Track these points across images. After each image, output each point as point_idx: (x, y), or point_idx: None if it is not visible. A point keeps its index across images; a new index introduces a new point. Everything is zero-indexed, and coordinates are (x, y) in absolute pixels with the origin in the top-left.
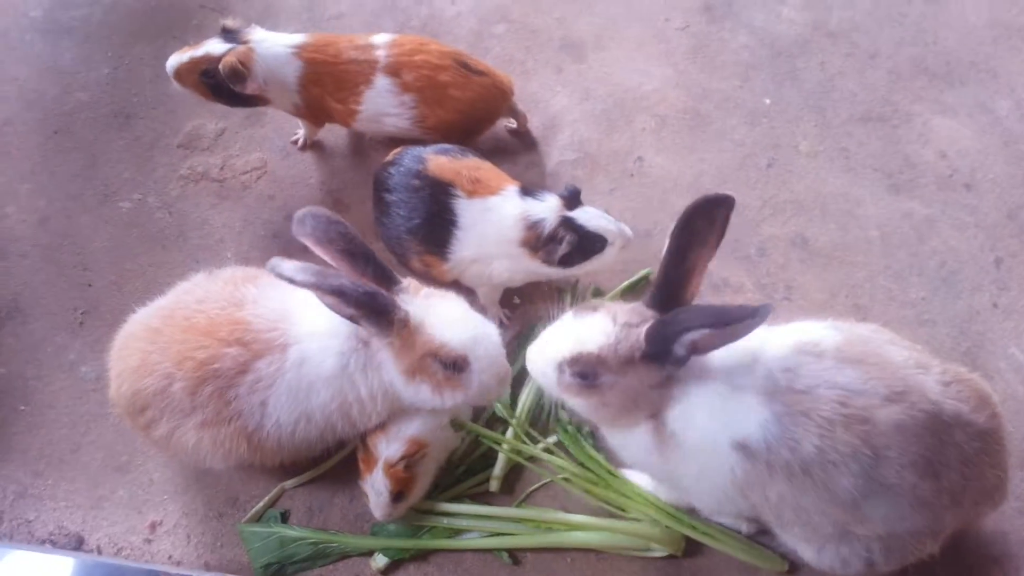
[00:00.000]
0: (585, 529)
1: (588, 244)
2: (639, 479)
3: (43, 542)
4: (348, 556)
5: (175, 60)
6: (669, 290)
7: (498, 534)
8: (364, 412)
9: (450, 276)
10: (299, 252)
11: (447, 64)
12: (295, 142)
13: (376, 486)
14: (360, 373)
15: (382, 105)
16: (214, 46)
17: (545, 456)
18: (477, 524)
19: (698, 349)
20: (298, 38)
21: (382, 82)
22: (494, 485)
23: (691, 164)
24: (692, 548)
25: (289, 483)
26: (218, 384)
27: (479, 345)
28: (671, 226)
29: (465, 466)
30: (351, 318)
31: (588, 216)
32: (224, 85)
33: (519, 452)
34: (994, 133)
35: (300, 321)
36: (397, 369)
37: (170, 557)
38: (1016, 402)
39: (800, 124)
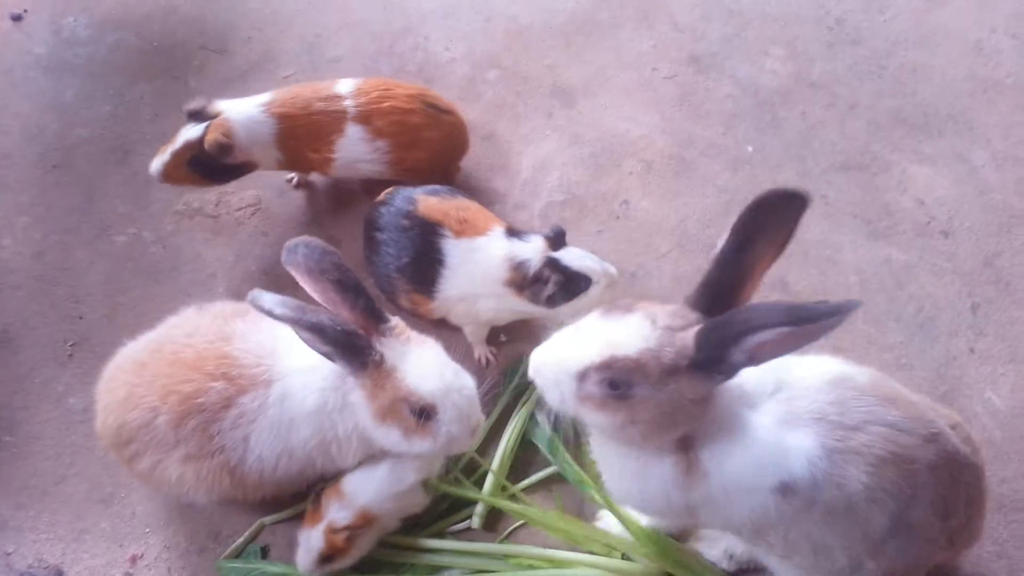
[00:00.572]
0: (568, 566)
1: (573, 284)
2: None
3: (22, 575)
4: None
5: (158, 163)
6: (720, 290)
7: (480, 571)
8: (342, 451)
9: (437, 314)
10: (291, 288)
11: (415, 107)
12: (290, 180)
13: (311, 543)
14: (338, 412)
15: (356, 153)
16: (189, 132)
17: (523, 506)
18: (459, 561)
19: (759, 356)
20: (264, 97)
21: (353, 131)
22: (476, 522)
23: (676, 208)
24: None
25: (268, 519)
26: (202, 418)
27: (449, 396)
28: (656, 268)
29: (448, 502)
30: (326, 355)
31: (572, 256)
32: (214, 165)
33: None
34: (970, 182)
35: (285, 357)
36: (369, 410)
37: None
38: (993, 447)
39: (782, 171)
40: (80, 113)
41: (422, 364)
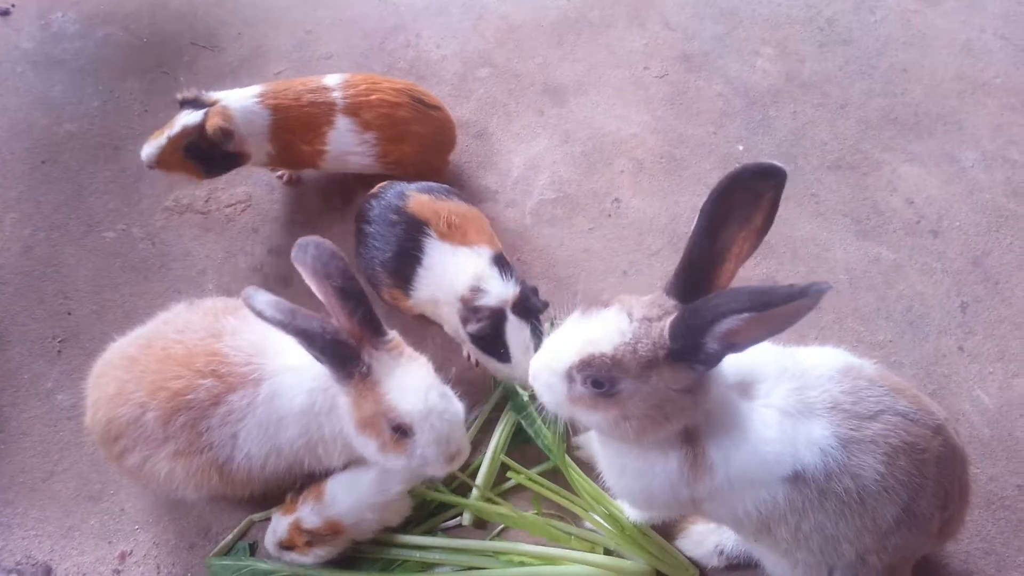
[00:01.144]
0: (557, 563)
1: (494, 346)
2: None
3: (9, 572)
4: None
5: (153, 147)
6: (694, 274)
7: (470, 568)
8: (328, 452)
9: (415, 311)
10: (280, 285)
11: (403, 101)
12: (280, 176)
13: (277, 530)
14: (325, 415)
15: (345, 144)
16: (187, 118)
17: (505, 510)
18: (449, 558)
19: (735, 343)
20: (256, 88)
21: (343, 122)
22: (467, 519)
23: (667, 206)
24: None
25: (257, 516)
26: (191, 415)
27: (428, 418)
28: (647, 266)
29: (437, 501)
30: (316, 358)
31: (514, 329)
32: (212, 152)
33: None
34: (960, 182)
35: (275, 356)
36: (351, 418)
37: None
38: (981, 444)
39: None
40: (68, 109)
41: (407, 382)
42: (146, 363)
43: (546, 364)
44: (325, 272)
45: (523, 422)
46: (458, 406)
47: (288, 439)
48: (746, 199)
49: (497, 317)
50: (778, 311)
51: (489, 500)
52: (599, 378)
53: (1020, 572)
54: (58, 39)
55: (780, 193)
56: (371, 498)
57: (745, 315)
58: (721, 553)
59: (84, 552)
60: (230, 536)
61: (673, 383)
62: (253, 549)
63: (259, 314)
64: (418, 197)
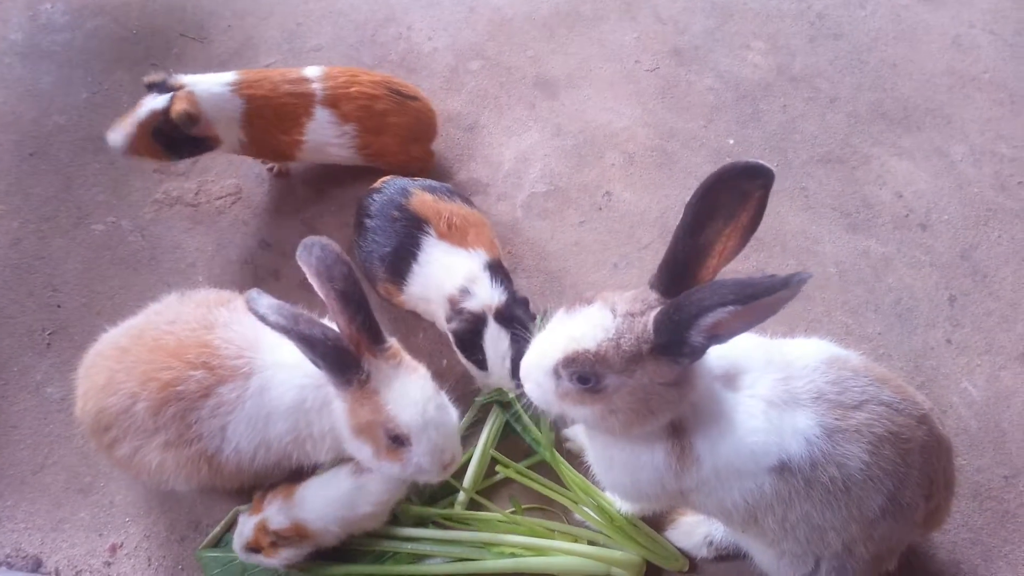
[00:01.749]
0: (549, 554)
1: (472, 350)
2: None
3: None
4: None
5: (121, 133)
6: (678, 269)
7: (461, 559)
8: (316, 448)
9: (407, 306)
10: (270, 279)
11: (381, 93)
12: (271, 169)
13: (243, 531)
14: (315, 412)
15: (324, 136)
16: (153, 103)
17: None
18: (441, 550)
19: (719, 335)
20: (230, 76)
21: (322, 114)
22: (458, 510)
23: (657, 200)
24: (652, 573)
25: (244, 507)
26: (180, 406)
27: (425, 430)
28: (638, 259)
29: (429, 492)
30: (314, 362)
31: (492, 336)
32: (179, 136)
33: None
34: (949, 176)
35: (267, 350)
36: (347, 423)
37: None
38: (968, 436)
39: None
40: (57, 100)
41: (406, 392)
42: (137, 353)
43: (534, 362)
44: (328, 275)
45: (510, 419)
46: (454, 417)
47: (277, 434)
48: (732, 197)
49: (478, 321)
50: (761, 302)
51: (474, 501)
52: (584, 374)
53: (1006, 562)
54: (47, 30)
55: (768, 193)
56: (338, 512)
57: (729, 308)
58: (710, 544)
59: (75, 545)
60: (218, 527)
61: (658, 377)
62: None
63: (262, 318)
64: (421, 195)
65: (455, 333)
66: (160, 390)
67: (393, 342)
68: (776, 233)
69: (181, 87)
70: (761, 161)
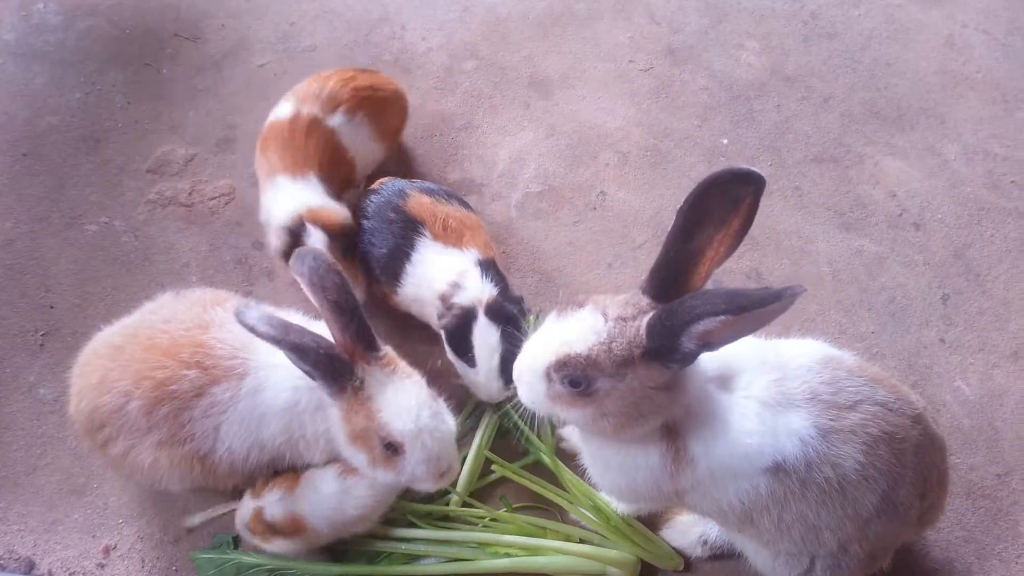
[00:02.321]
0: (543, 553)
1: (462, 347)
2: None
3: None
4: None
5: None
6: (669, 274)
7: (456, 559)
8: (309, 449)
9: (402, 308)
10: (264, 278)
11: (357, 73)
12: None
13: (243, 512)
14: (309, 414)
15: (353, 140)
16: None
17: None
18: (435, 550)
19: (710, 343)
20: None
21: (337, 120)
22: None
23: (651, 200)
24: (646, 573)
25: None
26: (174, 405)
27: (419, 438)
28: (632, 259)
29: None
30: (307, 373)
31: (482, 330)
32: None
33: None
34: (942, 175)
35: (262, 351)
36: (342, 430)
37: None
38: (961, 434)
39: (756, 163)
40: (50, 101)
41: (400, 400)
42: (131, 352)
43: (525, 365)
44: (321, 285)
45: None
46: (450, 424)
47: (270, 435)
48: (724, 203)
49: (467, 315)
50: (753, 314)
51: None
52: (576, 377)
53: (999, 560)
54: (40, 31)
55: (759, 199)
56: (326, 512)
57: (721, 317)
58: (705, 543)
59: (68, 546)
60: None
61: (648, 381)
62: (237, 542)
63: (251, 330)
64: (418, 197)
65: (445, 329)
66: (153, 389)
67: (388, 350)
68: (770, 232)
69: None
70: (752, 168)
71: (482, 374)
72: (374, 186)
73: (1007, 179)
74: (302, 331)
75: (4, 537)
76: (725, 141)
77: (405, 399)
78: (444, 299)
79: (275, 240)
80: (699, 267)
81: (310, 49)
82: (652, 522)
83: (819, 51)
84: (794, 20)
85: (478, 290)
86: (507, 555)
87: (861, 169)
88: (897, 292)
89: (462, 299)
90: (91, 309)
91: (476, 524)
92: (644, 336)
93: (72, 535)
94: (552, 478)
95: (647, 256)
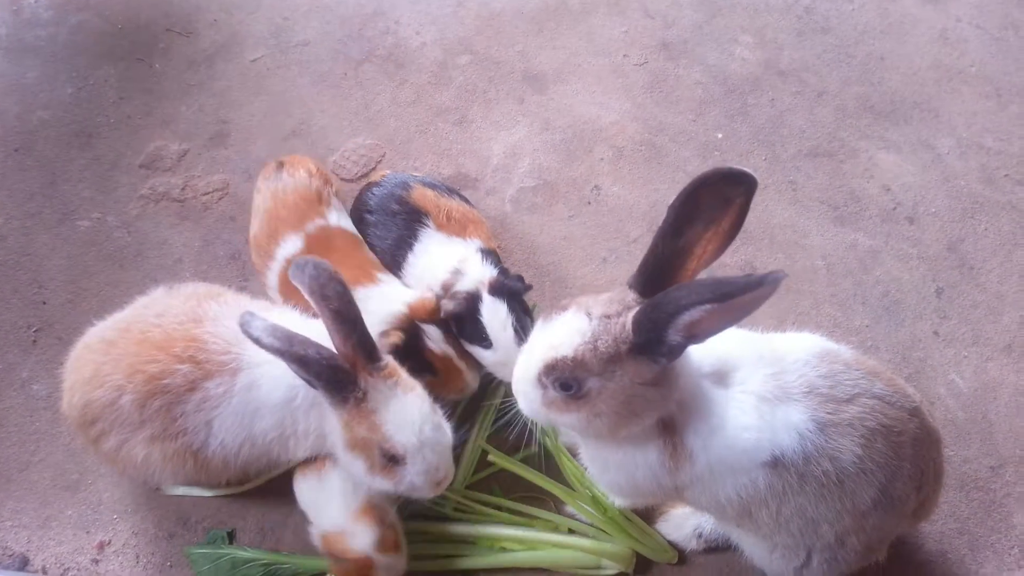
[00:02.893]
0: (537, 547)
1: (474, 331)
2: None
3: None
4: None
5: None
6: (657, 270)
7: (449, 555)
8: (298, 445)
9: None
10: (256, 274)
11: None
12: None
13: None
14: (303, 411)
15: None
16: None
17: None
18: (430, 546)
19: (696, 334)
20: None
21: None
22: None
23: (646, 194)
24: (641, 567)
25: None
26: (166, 399)
27: (421, 451)
28: (627, 253)
29: None
30: (309, 382)
31: (488, 308)
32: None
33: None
34: (936, 169)
35: (256, 347)
36: (342, 437)
37: None
38: (955, 427)
39: (750, 158)
40: (42, 96)
41: (403, 413)
42: (124, 346)
43: (519, 375)
44: (322, 293)
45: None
46: (449, 436)
47: (262, 430)
48: (715, 202)
49: (473, 299)
50: (738, 301)
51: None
52: (565, 380)
53: (993, 551)
54: (31, 25)
55: (750, 199)
56: (308, 504)
57: (707, 306)
58: (700, 536)
59: (62, 543)
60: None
61: (637, 377)
62: (232, 537)
63: (256, 340)
64: (422, 190)
65: (453, 316)
66: (146, 383)
67: (389, 359)
68: (765, 227)
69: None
70: (745, 168)
71: (500, 350)
72: (375, 179)
73: (1000, 173)
74: (306, 342)
75: None
76: (719, 135)
77: (409, 413)
78: (447, 288)
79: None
80: (687, 264)
81: (303, 44)
82: (647, 515)
83: (813, 45)
84: (788, 14)
85: (479, 273)
86: (502, 550)
87: (855, 163)
88: (891, 286)
89: (464, 285)
90: (84, 305)
91: (471, 513)
92: (630, 331)
93: (66, 531)
94: (548, 471)
95: (642, 250)
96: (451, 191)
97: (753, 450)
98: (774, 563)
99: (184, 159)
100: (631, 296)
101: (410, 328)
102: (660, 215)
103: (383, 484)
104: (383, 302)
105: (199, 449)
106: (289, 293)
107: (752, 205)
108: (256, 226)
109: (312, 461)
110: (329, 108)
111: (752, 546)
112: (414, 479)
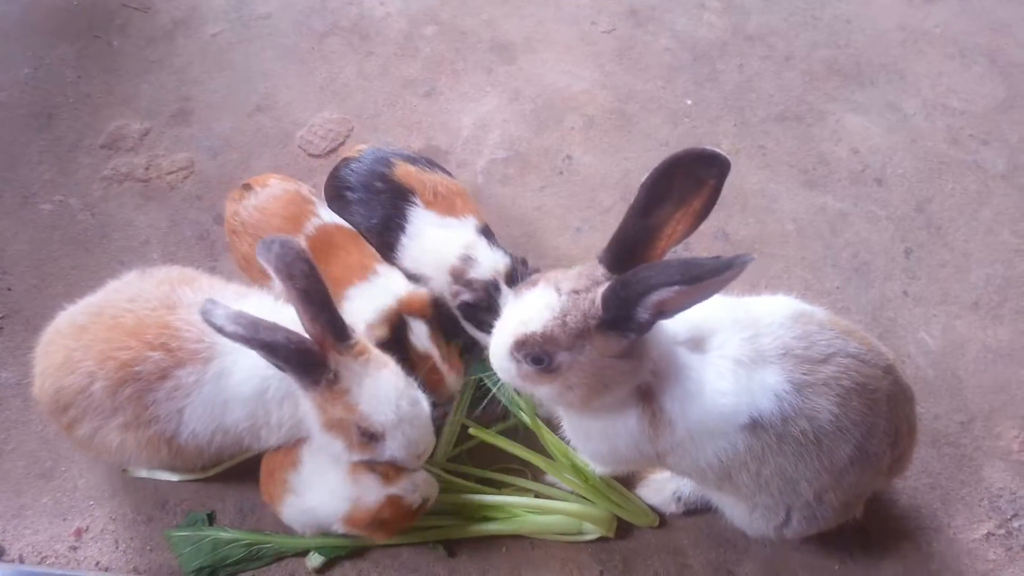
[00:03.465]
0: (519, 514)
1: (488, 318)
2: None
3: None
4: (283, 557)
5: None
6: (627, 247)
7: (432, 527)
8: (270, 435)
9: None
10: (225, 253)
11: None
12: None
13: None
14: (276, 402)
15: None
16: None
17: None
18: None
19: (664, 312)
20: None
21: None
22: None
23: (618, 162)
24: (623, 531)
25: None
26: (137, 387)
27: (399, 426)
28: (600, 222)
29: None
30: (278, 367)
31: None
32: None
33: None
34: (902, 131)
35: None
36: (317, 419)
37: (97, 564)
38: (925, 384)
39: (720, 123)
40: None
41: (378, 391)
42: (96, 332)
43: (494, 350)
44: (288, 272)
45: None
46: (426, 409)
47: (233, 420)
48: (687, 183)
49: (488, 288)
50: (706, 283)
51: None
52: (536, 355)
53: (963, 504)
54: None
55: (722, 182)
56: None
57: (675, 287)
58: (679, 499)
59: (38, 531)
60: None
61: (606, 351)
62: (212, 519)
63: (219, 330)
64: (404, 166)
65: (469, 304)
66: (117, 369)
67: (358, 336)
68: (736, 192)
69: None
70: (718, 150)
71: None
72: (351, 154)
73: (965, 132)
74: (273, 327)
75: None
76: (689, 102)
77: (384, 390)
78: (457, 274)
79: None
80: (657, 242)
81: (264, 17)
82: (627, 480)
83: (780, 9)
84: None
85: (492, 260)
86: (485, 519)
87: (823, 126)
88: (861, 247)
89: (479, 273)
90: (50, 290)
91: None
92: (599, 306)
93: (42, 519)
94: (528, 443)
95: (615, 219)
96: (431, 163)
97: (732, 414)
98: (754, 523)
99: (147, 138)
100: (600, 271)
101: (396, 322)
102: (632, 183)
103: (363, 458)
104: (377, 294)
105: (172, 437)
106: None
107: (720, 192)
108: (246, 245)
109: (280, 491)
110: (294, 83)
111: (732, 507)
112: (395, 453)
